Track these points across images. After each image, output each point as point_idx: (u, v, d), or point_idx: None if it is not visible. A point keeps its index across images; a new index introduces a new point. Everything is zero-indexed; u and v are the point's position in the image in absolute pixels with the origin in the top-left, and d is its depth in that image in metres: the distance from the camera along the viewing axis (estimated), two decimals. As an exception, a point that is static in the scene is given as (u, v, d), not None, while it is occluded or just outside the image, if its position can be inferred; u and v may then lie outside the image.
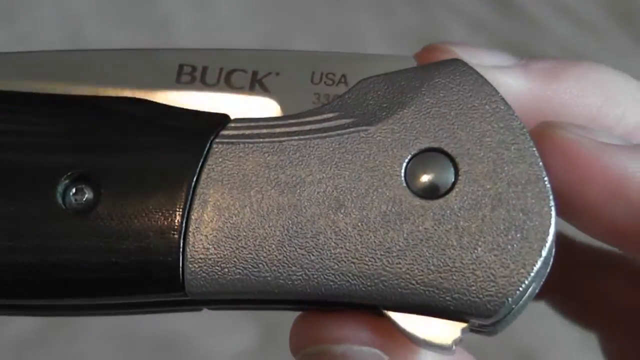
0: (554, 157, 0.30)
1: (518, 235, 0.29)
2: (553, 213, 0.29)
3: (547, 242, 0.29)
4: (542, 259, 0.28)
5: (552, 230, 0.29)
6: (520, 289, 0.28)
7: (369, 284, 0.29)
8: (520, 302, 0.29)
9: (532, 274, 0.28)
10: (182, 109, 0.32)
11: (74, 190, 0.31)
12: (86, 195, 0.30)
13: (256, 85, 0.32)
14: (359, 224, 0.29)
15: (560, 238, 0.31)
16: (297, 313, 0.31)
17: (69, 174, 0.31)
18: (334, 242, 0.29)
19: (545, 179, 0.29)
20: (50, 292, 0.31)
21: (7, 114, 0.32)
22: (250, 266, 0.30)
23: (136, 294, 0.30)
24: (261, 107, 0.32)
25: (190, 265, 0.30)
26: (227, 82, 0.32)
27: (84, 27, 0.79)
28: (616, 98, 0.33)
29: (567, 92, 0.32)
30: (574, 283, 0.37)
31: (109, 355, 0.68)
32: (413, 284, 0.29)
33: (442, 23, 0.76)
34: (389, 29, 0.74)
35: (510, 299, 0.28)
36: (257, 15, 0.81)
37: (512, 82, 0.32)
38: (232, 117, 0.31)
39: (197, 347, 0.68)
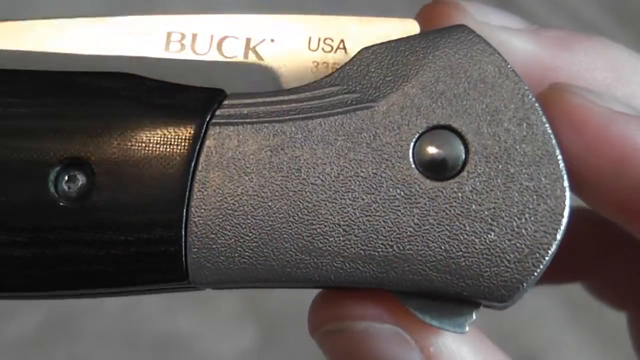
0: (561, 123, 0.29)
1: (532, 218, 0.28)
2: (567, 194, 0.28)
3: (561, 225, 0.28)
4: (556, 242, 0.28)
5: (566, 212, 0.28)
6: (536, 273, 0.28)
7: (379, 270, 0.28)
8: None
9: (547, 258, 0.28)
10: (174, 84, 0.30)
11: (66, 177, 0.29)
12: (80, 183, 0.29)
13: (250, 53, 0.30)
14: (367, 208, 0.28)
15: (596, 216, 0.30)
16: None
17: (60, 160, 0.29)
18: (342, 228, 0.28)
19: (559, 157, 0.28)
20: (48, 285, 0.30)
21: None
22: (255, 254, 0.28)
23: (138, 284, 0.29)
24: (256, 76, 0.30)
25: (194, 255, 0.29)
26: (219, 50, 0.31)
27: None
28: (627, 76, 0.31)
29: (577, 64, 0.31)
30: (610, 262, 0.36)
31: (109, 355, 0.68)
32: (425, 270, 0.28)
33: None
34: None
35: (525, 284, 0.28)
36: (256, 15, 0.79)
37: (520, 45, 0.30)
38: (227, 91, 0.30)
39: (197, 347, 0.67)
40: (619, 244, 0.34)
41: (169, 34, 0.31)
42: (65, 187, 0.29)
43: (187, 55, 0.31)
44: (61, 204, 0.29)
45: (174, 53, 0.31)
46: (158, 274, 0.29)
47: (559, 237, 0.28)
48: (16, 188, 0.29)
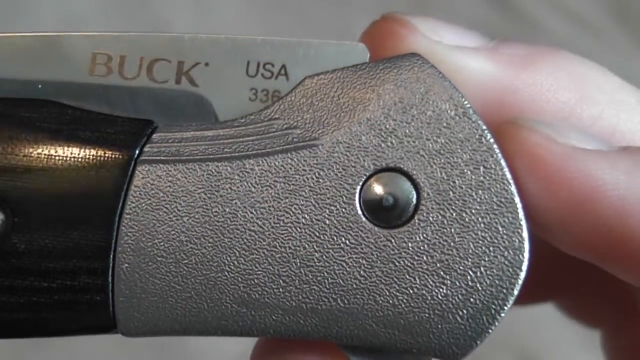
0: (517, 163, 0.26)
1: (487, 271, 0.26)
2: (526, 246, 0.26)
3: (519, 279, 0.26)
4: (513, 297, 0.26)
5: (524, 266, 0.26)
6: (490, 330, 0.26)
7: (322, 325, 0.26)
8: None
9: (502, 315, 0.26)
10: (100, 114, 0.27)
11: None
12: None
13: (182, 78, 0.28)
14: (309, 258, 0.26)
15: None
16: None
17: None
18: (281, 279, 0.26)
19: (518, 205, 0.26)
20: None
21: None
22: (188, 305, 0.26)
23: (62, 333, 0.27)
24: (189, 104, 0.28)
25: (122, 305, 0.26)
26: (148, 74, 0.28)
27: (84, 27, 0.76)
28: (593, 96, 0.28)
29: (538, 84, 0.28)
30: (581, 282, 0.34)
31: (109, 355, 0.66)
32: (372, 326, 0.26)
33: None
34: None
35: (479, 341, 0.26)
36: (256, 15, 0.79)
37: (477, 66, 0.28)
38: (157, 120, 0.27)
39: (196, 347, 0.66)
40: (587, 264, 0.32)
41: (94, 55, 0.28)
42: None
43: (114, 79, 0.28)
44: None
45: (100, 77, 0.28)
46: (84, 323, 0.27)
47: (516, 292, 0.26)
48: None
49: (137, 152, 0.27)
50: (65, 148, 0.27)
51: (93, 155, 0.27)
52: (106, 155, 0.27)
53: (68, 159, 0.27)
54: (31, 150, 0.27)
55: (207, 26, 0.78)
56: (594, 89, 0.29)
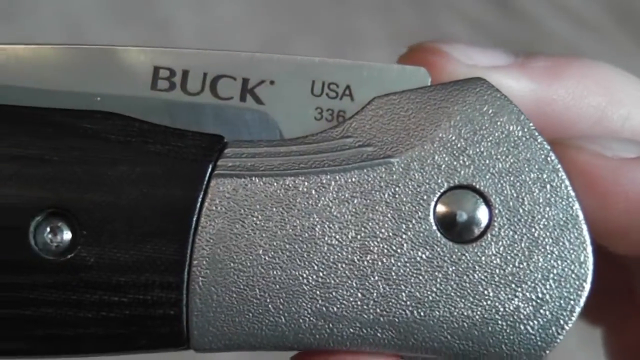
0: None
1: (555, 284, 0.27)
2: (591, 260, 0.27)
3: (585, 291, 0.27)
4: (580, 308, 0.27)
5: (589, 279, 0.27)
6: (559, 340, 0.27)
7: (398, 337, 0.27)
8: None
9: (569, 325, 0.27)
10: (167, 127, 0.27)
11: (48, 229, 0.26)
12: (64, 235, 0.26)
13: (247, 95, 0.28)
14: (387, 271, 0.27)
15: None
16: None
17: (40, 209, 0.26)
18: (360, 292, 0.26)
19: (583, 222, 0.27)
20: (24, 350, 0.26)
21: None
22: (265, 318, 0.26)
23: (130, 350, 0.27)
24: (255, 121, 0.28)
25: (197, 319, 0.26)
26: (212, 90, 0.28)
27: (84, 27, 0.76)
28: (620, 98, 0.31)
29: (570, 93, 0.30)
30: None
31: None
32: (447, 337, 0.27)
33: (443, 24, 0.75)
34: (390, 30, 0.72)
35: (548, 351, 0.27)
36: (258, 15, 0.78)
37: (514, 84, 0.30)
38: (225, 138, 0.27)
39: None
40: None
41: (156, 69, 0.28)
42: (47, 240, 0.26)
43: (177, 95, 0.28)
44: (43, 258, 0.26)
45: (162, 92, 0.28)
46: (154, 339, 0.26)
47: (582, 303, 0.27)
48: None
49: (211, 166, 0.27)
50: (135, 160, 0.27)
51: (164, 169, 0.26)
52: (179, 168, 0.27)
53: (138, 171, 0.26)
54: (98, 162, 0.26)
55: (209, 26, 0.78)
56: (620, 91, 0.31)
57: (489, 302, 0.27)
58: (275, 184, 0.27)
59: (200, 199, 0.26)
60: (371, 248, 0.27)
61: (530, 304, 0.27)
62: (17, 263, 0.26)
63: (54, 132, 0.27)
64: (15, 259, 0.26)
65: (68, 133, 0.27)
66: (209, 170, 0.27)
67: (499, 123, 0.27)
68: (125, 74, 0.28)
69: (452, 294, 0.27)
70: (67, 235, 0.26)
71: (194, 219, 0.26)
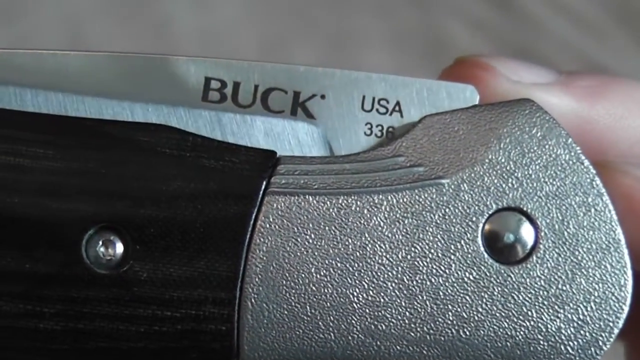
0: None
1: (596, 306, 0.28)
2: (630, 283, 0.28)
3: (624, 313, 0.28)
4: (618, 331, 0.28)
5: (629, 302, 0.28)
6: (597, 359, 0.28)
7: (444, 355, 0.27)
8: None
9: (607, 346, 0.28)
10: (220, 142, 0.27)
11: (100, 242, 0.26)
12: (116, 250, 0.26)
13: (298, 109, 0.28)
14: (435, 291, 0.27)
15: None
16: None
17: (93, 222, 0.26)
18: (408, 311, 0.27)
19: (624, 246, 0.28)
20: (77, 362, 0.27)
21: (3, 143, 0.26)
22: (315, 335, 0.27)
23: None
24: (306, 136, 0.28)
25: (248, 335, 0.27)
26: (263, 103, 0.28)
27: (85, 27, 0.75)
28: None
29: (612, 114, 0.31)
30: None
31: None
32: (490, 356, 0.27)
33: (444, 24, 0.74)
34: (391, 30, 0.71)
35: None
36: (258, 15, 0.78)
37: (557, 102, 0.30)
38: (277, 153, 0.27)
39: None
40: None
41: (207, 80, 0.28)
42: (100, 254, 0.26)
43: (228, 107, 0.28)
44: (96, 272, 0.26)
45: (213, 103, 0.28)
46: (205, 353, 0.27)
47: (620, 325, 0.28)
48: (43, 252, 0.26)
49: (265, 182, 0.27)
50: (189, 175, 0.27)
51: (219, 185, 0.27)
52: (233, 184, 0.27)
53: (192, 187, 0.26)
54: (153, 177, 0.26)
55: (209, 27, 0.78)
56: None
57: (532, 322, 0.27)
58: (328, 202, 0.27)
59: (254, 216, 0.26)
60: (420, 268, 0.27)
61: (571, 325, 0.28)
62: (71, 277, 0.26)
63: (108, 144, 0.27)
64: (68, 274, 0.26)
65: (122, 146, 0.27)
66: (263, 187, 0.27)
67: (547, 146, 0.28)
68: (176, 84, 0.28)
69: (497, 314, 0.27)
70: (120, 249, 0.26)
71: (248, 236, 0.26)
